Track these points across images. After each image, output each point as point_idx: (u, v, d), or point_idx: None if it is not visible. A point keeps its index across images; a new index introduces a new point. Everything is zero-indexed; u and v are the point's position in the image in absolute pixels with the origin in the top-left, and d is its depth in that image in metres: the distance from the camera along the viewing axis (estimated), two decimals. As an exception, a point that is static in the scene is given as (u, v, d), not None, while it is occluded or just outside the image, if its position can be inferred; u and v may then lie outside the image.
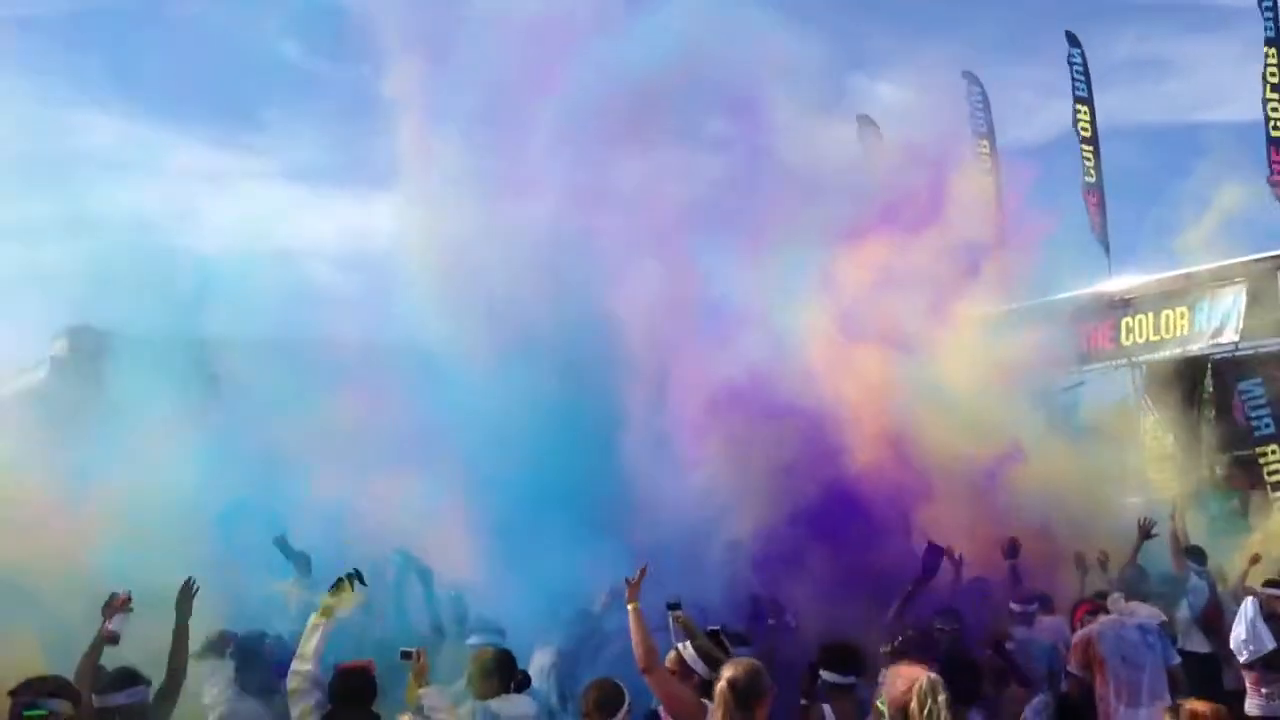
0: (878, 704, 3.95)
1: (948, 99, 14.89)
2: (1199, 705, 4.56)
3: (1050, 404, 11.66)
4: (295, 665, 5.33)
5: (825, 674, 5.45)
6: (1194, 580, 9.03)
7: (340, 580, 5.67)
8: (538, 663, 6.84)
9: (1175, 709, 4.59)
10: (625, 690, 4.79)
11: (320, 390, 8.51)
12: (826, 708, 5.49)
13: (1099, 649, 6.97)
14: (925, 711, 3.75)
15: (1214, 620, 8.85)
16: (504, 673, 5.66)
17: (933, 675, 3.88)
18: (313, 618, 5.51)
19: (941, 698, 3.78)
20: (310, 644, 5.37)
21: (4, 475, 7.30)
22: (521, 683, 5.79)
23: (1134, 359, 14.94)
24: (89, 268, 8.45)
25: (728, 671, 4.30)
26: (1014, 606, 8.07)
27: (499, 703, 5.54)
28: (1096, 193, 16.51)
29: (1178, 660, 7.18)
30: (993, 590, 8.46)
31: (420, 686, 5.52)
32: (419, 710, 5.26)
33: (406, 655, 5.59)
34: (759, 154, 10.18)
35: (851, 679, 5.40)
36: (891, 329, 9.93)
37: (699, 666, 5.19)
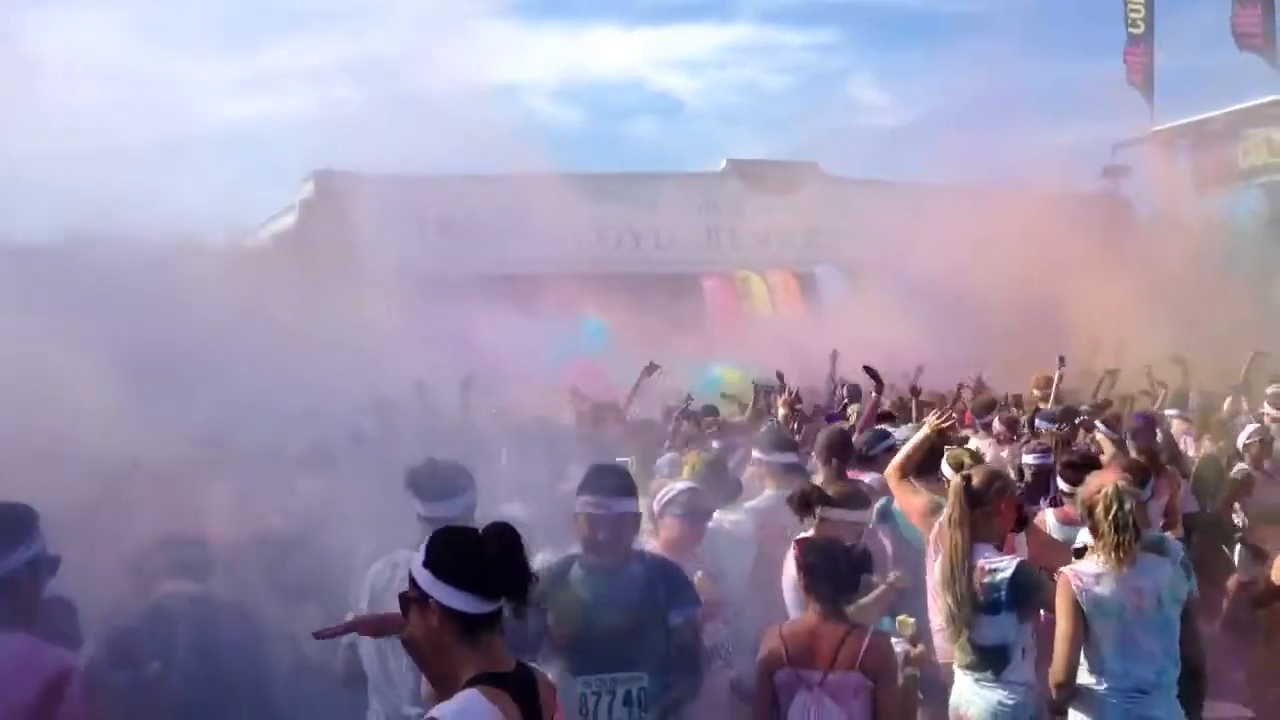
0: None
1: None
2: None
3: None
4: None
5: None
6: None
7: None
8: None
9: None
10: None
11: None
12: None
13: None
14: (1111, 516, 3.78)
15: None
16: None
17: (1121, 482, 3.89)
18: None
19: (1129, 505, 3.79)
20: None
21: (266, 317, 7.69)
22: None
23: None
24: (329, 114, 8.96)
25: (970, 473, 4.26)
26: None
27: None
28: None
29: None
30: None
31: None
32: None
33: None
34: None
35: None
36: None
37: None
